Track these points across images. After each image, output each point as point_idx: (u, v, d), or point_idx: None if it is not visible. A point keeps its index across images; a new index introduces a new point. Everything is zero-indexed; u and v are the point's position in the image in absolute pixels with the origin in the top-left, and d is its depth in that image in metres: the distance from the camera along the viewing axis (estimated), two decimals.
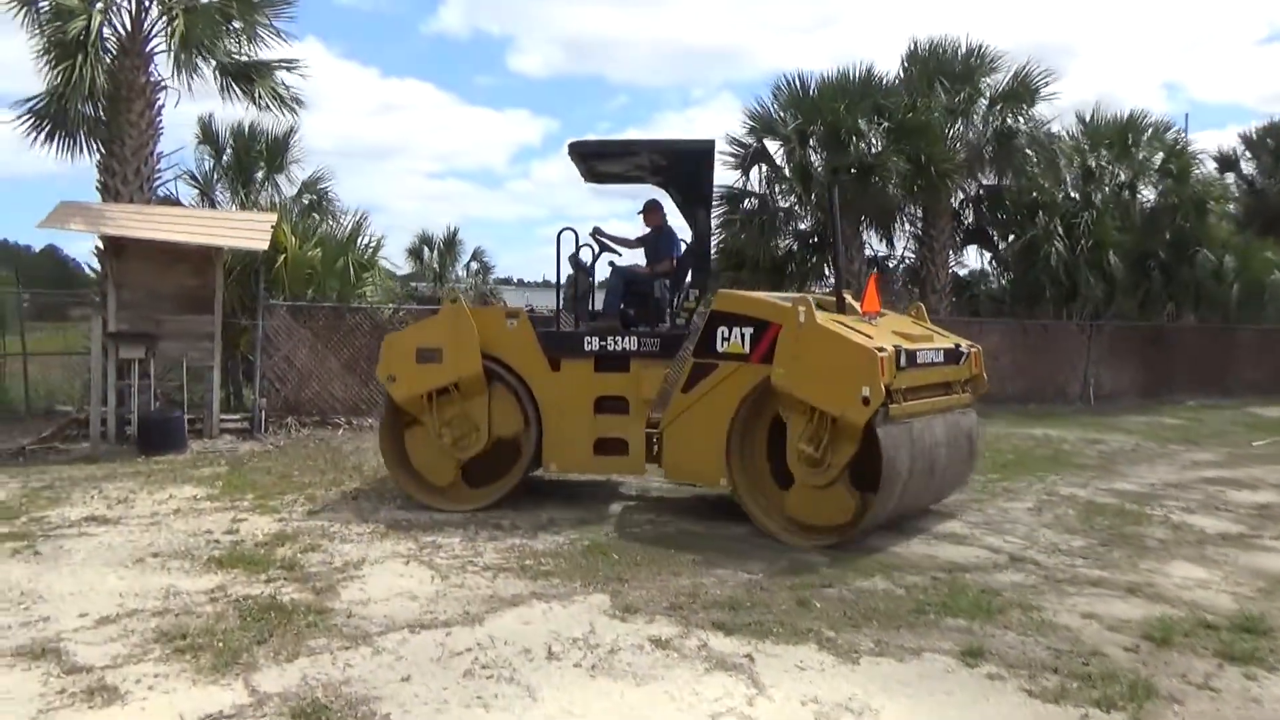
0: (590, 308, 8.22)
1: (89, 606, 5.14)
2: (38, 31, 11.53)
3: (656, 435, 7.63)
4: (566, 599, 5.51)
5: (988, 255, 20.77)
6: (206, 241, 10.97)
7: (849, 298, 7.72)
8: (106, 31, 12.19)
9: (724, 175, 18.07)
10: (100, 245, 12.09)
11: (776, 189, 17.83)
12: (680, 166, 8.11)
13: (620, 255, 8.39)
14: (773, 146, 17.76)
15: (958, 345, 7.57)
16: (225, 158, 18.39)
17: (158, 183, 12.98)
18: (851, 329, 6.77)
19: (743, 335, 7.03)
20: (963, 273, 20.31)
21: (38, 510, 7.49)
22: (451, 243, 30.50)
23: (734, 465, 7.19)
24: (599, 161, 8.43)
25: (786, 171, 17.35)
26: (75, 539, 6.60)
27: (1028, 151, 17.90)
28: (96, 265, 12.98)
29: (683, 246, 8.36)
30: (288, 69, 13.45)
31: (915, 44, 18.33)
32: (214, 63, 12.86)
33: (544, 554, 6.49)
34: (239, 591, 5.47)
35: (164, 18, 12.22)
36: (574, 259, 8.15)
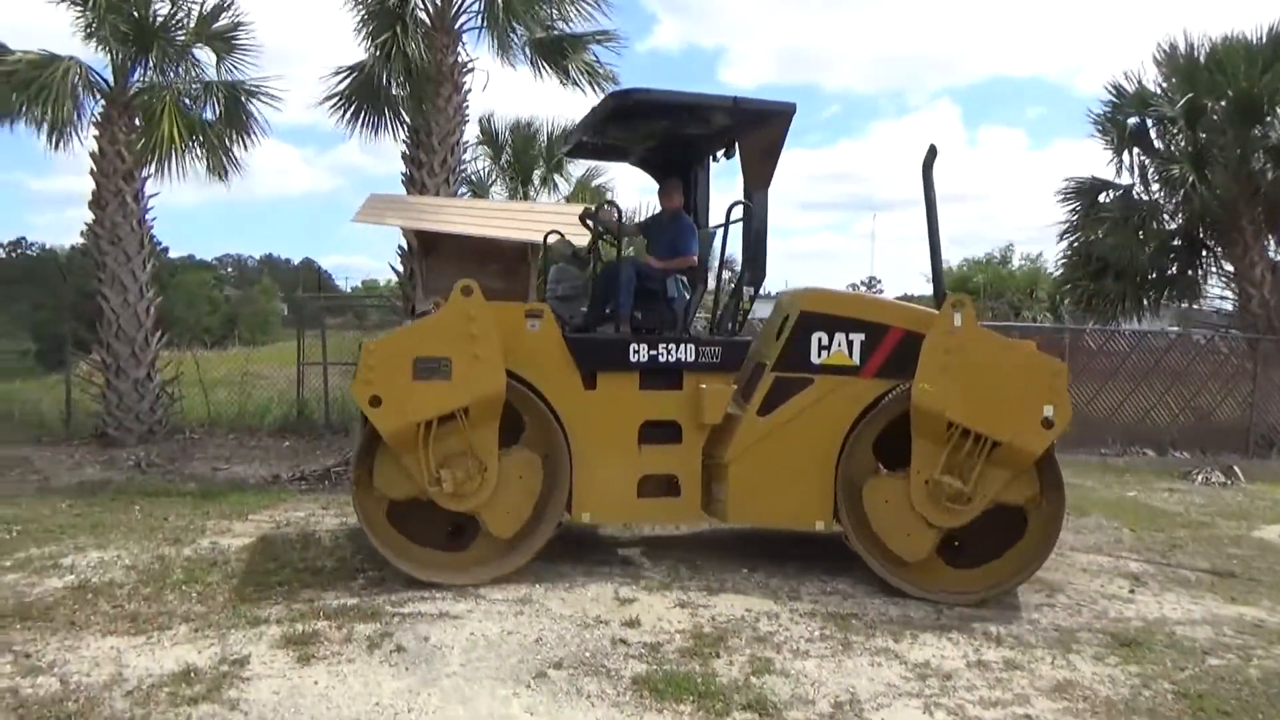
0: (583, 308, 6.60)
1: None
2: (355, 3, 10.57)
3: (713, 470, 6.01)
4: None
5: None
6: (531, 238, 9.40)
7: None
8: (419, 10, 11.07)
9: (1086, 164, 15.05)
10: (406, 244, 10.96)
11: (1150, 177, 14.55)
12: (751, 133, 6.15)
13: (618, 245, 6.89)
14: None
15: None
16: (503, 158, 17.66)
17: (463, 174, 11.77)
18: None
19: (849, 343, 5.81)
20: None
21: (373, 567, 5.92)
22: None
23: (846, 503, 5.78)
24: (632, 122, 6.37)
25: (1172, 155, 14.07)
26: (437, 622, 4.86)
27: None
28: (386, 269, 11.88)
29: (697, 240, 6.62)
30: (600, 43, 11.91)
31: None
32: (525, 38, 11.52)
33: (1116, 704, 4.13)
34: None
35: None
36: (560, 248, 6.87)
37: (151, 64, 11.15)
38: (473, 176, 16.29)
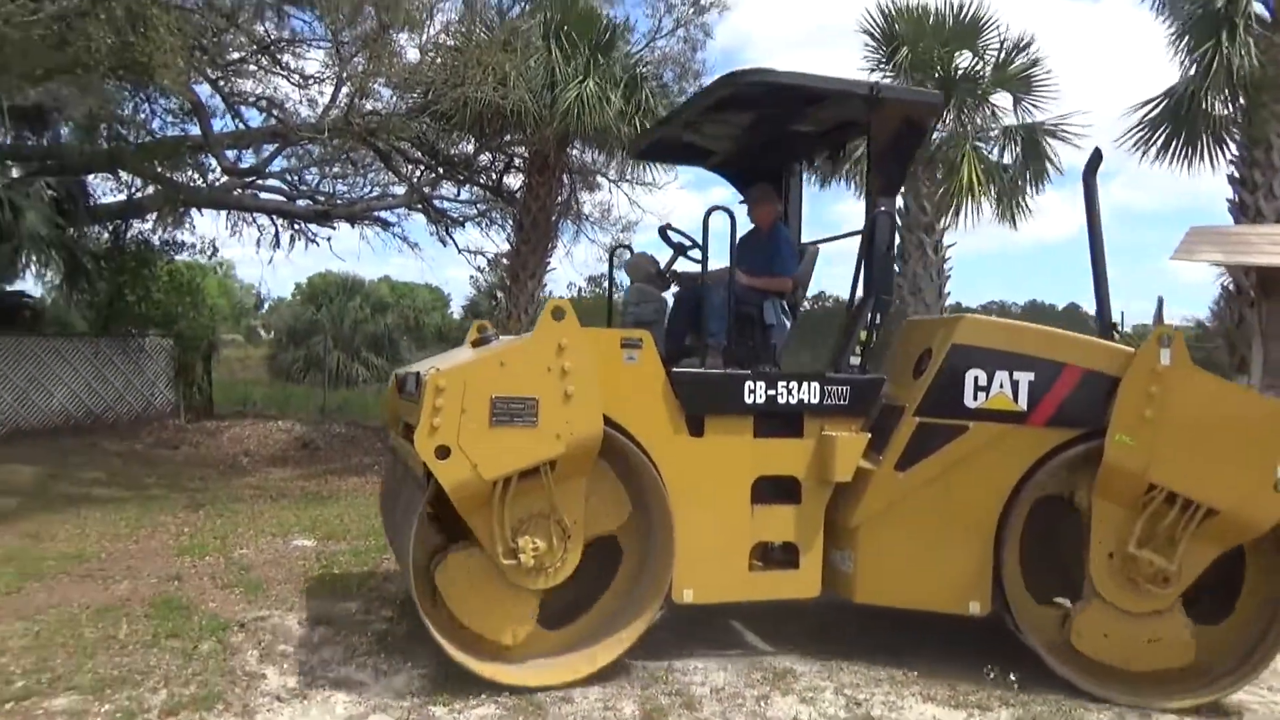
0: (665, 332, 5.49)
1: None
2: (1169, 16, 9.46)
3: (842, 538, 4.98)
4: None
5: None
6: None
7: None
8: (1254, 3, 9.39)
9: None
10: (1233, 284, 9.35)
11: None
12: (887, 129, 4.95)
13: (701, 261, 5.38)
14: None
15: None
16: None
17: None
18: None
19: (1014, 383, 4.75)
20: None
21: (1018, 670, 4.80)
22: None
23: (1011, 584, 4.81)
24: (737, 113, 5.34)
25: None
26: None
27: None
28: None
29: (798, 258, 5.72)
30: None
31: None
32: None
33: None
34: None
35: None
36: (641, 264, 5.75)
37: (952, 114, 11.54)
38: None
